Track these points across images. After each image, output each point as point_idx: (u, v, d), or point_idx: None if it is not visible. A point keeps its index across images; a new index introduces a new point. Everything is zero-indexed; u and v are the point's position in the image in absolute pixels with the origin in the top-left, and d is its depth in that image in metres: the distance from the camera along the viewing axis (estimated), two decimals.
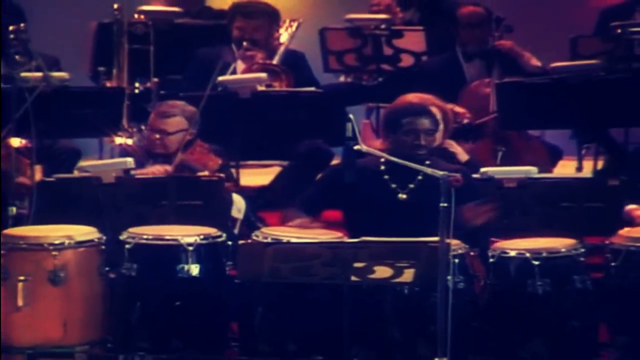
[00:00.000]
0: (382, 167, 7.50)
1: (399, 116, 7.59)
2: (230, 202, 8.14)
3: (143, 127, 8.80)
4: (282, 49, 9.86)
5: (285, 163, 9.30)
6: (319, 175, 8.20)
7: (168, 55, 9.53)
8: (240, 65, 9.57)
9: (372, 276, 6.81)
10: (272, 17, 9.82)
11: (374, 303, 7.00)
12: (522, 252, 7.19)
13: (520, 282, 7.14)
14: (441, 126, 7.62)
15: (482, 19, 10.04)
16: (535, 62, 9.96)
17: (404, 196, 7.45)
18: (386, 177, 7.48)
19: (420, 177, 7.29)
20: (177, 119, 8.46)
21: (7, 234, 7.54)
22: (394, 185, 7.48)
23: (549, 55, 9.86)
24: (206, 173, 8.22)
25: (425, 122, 7.54)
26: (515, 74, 9.77)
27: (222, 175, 8.17)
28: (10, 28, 8.91)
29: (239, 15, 9.78)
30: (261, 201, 8.91)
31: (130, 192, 7.95)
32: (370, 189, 7.46)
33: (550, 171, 9.06)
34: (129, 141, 8.87)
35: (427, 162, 7.34)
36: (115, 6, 9.15)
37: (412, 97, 7.73)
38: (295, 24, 10.00)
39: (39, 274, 7.36)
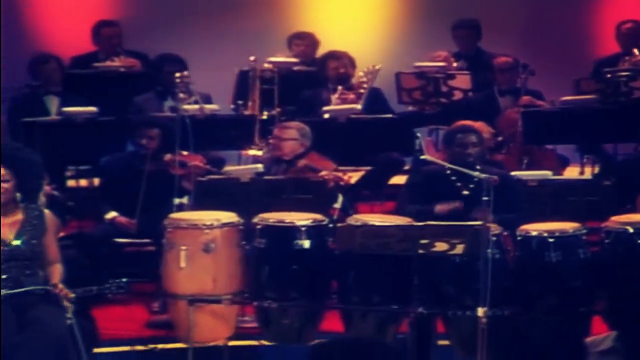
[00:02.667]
0: (448, 172, 7.50)
1: (454, 134, 7.65)
2: (332, 196, 8.16)
3: (270, 142, 8.84)
4: (367, 87, 9.87)
5: (368, 168, 9.31)
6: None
7: (287, 93, 9.57)
8: (335, 99, 9.62)
9: (433, 249, 6.84)
10: (352, 61, 9.91)
11: (435, 269, 6.98)
12: (541, 232, 7.14)
13: (539, 254, 7.07)
14: (483, 142, 7.72)
15: (512, 65, 9.98)
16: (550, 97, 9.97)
17: (467, 192, 7.45)
18: (453, 178, 7.48)
19: (476, 179, 7.27)
20: (291, 131, 8.52)
21: (173, 217, 7.59)
22: (459, 184, 7.48)
23: (560, 91, 9.86)
24: (324, 173, 8.25)
25: (473, 138, 7.59)
26: (537, 105, 9.78)
27: (338, 175, 8.24)
28: (177, 74, 8.97)
29: (331, 58, 9.89)
30: (352, 195, 8.90)
31: (260, 188, 7.98)
32: (440, 187, 7.47)
33: (560, 174, 9.01)
34: (259, 152, 8.90)
35: (478, 167, 7.39)
36: (252, 58, 9.19)
37: (464, 122, 7.87)
38: (376, 68, 10.00)
39: (195, 245, 7.37)
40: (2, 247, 6.72)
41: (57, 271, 6.87)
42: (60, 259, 6.95)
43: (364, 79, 9.85)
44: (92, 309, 7.35)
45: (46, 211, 7.00)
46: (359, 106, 9.40)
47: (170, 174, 8.39)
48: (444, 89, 10.04)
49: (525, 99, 9.71)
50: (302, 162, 8.42)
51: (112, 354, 7.59)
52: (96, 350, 7.14)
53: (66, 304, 6.65)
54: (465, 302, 6.93)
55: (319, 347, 7.31)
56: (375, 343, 7.16)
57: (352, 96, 9.66)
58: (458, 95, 10.08)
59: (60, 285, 6.74)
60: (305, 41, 10.55)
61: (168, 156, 8.41)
